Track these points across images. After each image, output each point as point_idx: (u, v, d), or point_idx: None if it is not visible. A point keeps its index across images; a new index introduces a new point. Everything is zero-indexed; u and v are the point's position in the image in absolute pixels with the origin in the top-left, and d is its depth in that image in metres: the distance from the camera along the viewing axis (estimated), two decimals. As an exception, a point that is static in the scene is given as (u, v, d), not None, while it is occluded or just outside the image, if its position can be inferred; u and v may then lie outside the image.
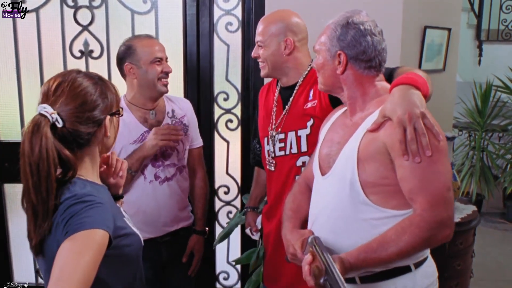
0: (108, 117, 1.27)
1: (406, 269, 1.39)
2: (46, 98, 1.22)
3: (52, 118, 1.17)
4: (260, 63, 1.92)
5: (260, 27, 1.88)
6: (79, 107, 1.21)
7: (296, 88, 1.88)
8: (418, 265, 1.41)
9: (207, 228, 2.31)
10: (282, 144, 1.89)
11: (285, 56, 1.85)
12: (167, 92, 2.08)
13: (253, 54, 1.93)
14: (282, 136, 1.89)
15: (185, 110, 2.20)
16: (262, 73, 1.93)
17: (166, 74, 2.04)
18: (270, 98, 2.01)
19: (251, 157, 2.22)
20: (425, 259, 1.45)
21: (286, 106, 1.91)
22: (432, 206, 1.28)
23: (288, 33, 1.84)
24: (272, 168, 1.93)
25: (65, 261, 1.06)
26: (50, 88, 1.23)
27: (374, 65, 1.42)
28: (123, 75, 2.06)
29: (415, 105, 1.30)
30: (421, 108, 1.30)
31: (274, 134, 1.92)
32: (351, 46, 1.40)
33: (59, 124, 1.19)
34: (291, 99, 1.89)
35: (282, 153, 1.89)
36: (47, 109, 1.18)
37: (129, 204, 2.04)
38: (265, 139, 1.98)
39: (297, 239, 1.46)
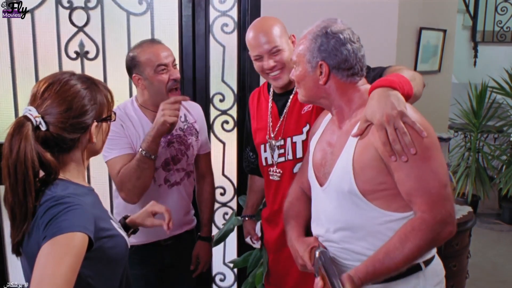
0: (95, 123, 1.26)
1: (416, 268, 1.39)
2: (34, 100, 1.22)
3: (36, 121, 1.17)
4: (275, 73, 1.81)
5: (264, 38, 1.78)
6: (64, 112, 1.20)
7: (293, 93, 1.85)
8: (427, 263, 1.41)
9: (213, 235, 2.30)
10: (282, 151, 1.87)
11: None
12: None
13: (269, 66, 1.79)
14: (281, 142, 1.87)
15: (196, 115, 2.17)
16: (282, 81, 1.82)
17: (174, 81, 1.96)
18: (262, 105, 1.98)
19: (244, 165, 2.18)
20: (433, 257, 1.45)
21: (284, 112, 1.88)
22: (431, 206, 1.27)
23: (287, 32, 1.85)
24: (276, 178, 1.90)
25: (44, 267, 1.05)
26: (39, 90, 1.22)
27: (356, 71, 1.42)
28: (135, 85, 2.01)
29: (392, 106, 1.30)
30: (398, 107, 1.29)
31: (273, 142, 1.89)
32: (332, 56, 1.40)
33: (43, 128, 1.19)
34: (288, 104, 1.87)
35: (282, 159, 1.87)
36: (32, 112, 1.18)
37: (136, 206, 2.03)
38: (262, 146, 1.95)
39: (304, 250, 1.47)
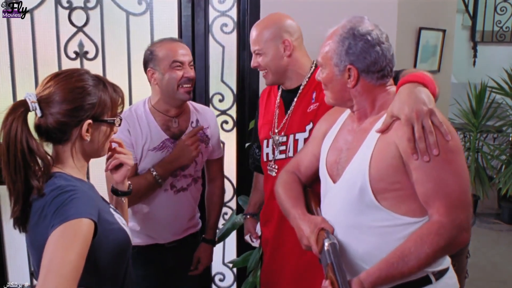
0: (89, 121, 1.26)
1: (426, 281, 1.33)
2: (39, 87, 1.25)
3: (32, 106, 1.21)
4: (262, 72, 1.87)
5: (254, 35, 1.84)
6: (60, 102, 1.22)
7: (300, 91, 1.85)
8: (439, 276, 1.35)
9: (216, 238, 2.30)
10: (284, 147, 1.87)
11: (286, 59, 1.81)
12: (189, 99, 2.02)
13: (252, 64, 1.87)
14: (284, 139, 1.88)
15: (209, 121, 2.15)
16: (267, 81, 1.88)
17: (188, 79, 1.96)
18: (271, 101, 1.99)
19: (250, 161, 2.18)
20: (446, 269, 1.39)
21: (289, 109, 1.88)
22: (450, 210, 1.23)
23: (285, 35, 1.81)
24: (273, 173, 1.90)
25: (53, 254, 1.08)
26: (47, 80, 1.26)
27: (386, 73, 1.38)
28: (149, 80, 2.02)
29: (422, 102, 1.27)
30: (429, 105, 1.27)
31: (277, 137, 1.89)
32: (361, 59, 1.34)
33: (38, 114, 1.22)
34: (294, 102, 1.87)
35: (283, 156, 1.87)
36: (31, 97, 1.22)
37: (141, 211, 2.04)
38: (265, 141, 1.95)
39: (312, 231, 1.40)
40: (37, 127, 1.25)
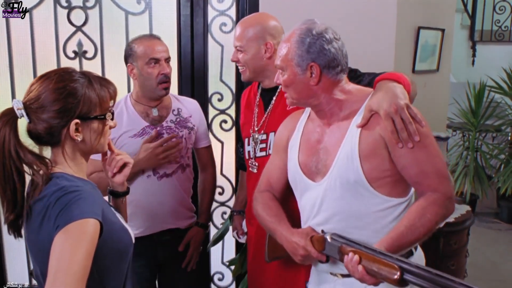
0: (76, 120, 1.24)
1: (409, 254, 1.47)
2: (26, 92, 1.25)
3: (19, 113, 1.21)
4: (240, 67, 1.91)
5: (237, 31, 1.86)
6: (43, 106, 1.21)
7: (279, 89, 1.86)
8: (415, 248, 1.51)
9: (209, 223, 2.29)
10: (264, 145, 1.90)
11: (265, 60, 1.84)
12: (165, 95, 2.07)
13: (232, 58, 1.91)
14: (264, 137, 1.90)
15: (191, 110, 2.19)
16: (243, 77, 1.92)
17: (165, 76, 2.01)
18: (251, 100, 2.01)
19: (235, 161, 2.20)
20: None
21: (269, 107, 1.91)
22: (439, 184, 1.38)
23: (268, 37, 1.83)
24: (255, 170, 1.92)
25: (60, 255, 1.07)
26: (31, 83, 1.25)
27: (343, 68, 1.47)
28: (129, 74, 2.08)
29: (399, 97, 1.38)
30: (404, 99, 1.38)
31: (256, 135, 1.92)
32: (321, 56, 1.42)
33: (26, 120, 1.22)
34: (273, 100, 1.89)
35: (263, 153, 1.90)
36: (17, 104, 1.21)
37: (128, 197, 2.03)
38: (246, 139, 1.98)
39: (305, 240, 1.45)
40: (29, 132, 1.25)
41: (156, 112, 2.08)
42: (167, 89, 2.05)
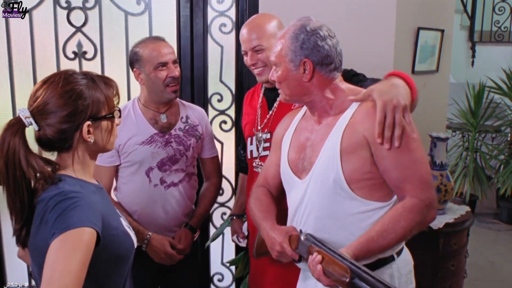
0: (88, 122, 1.24)
1: (390, 259, 1.45)
2: (29, 100, 1.23)
3: (27, 122, 1.19)
4: (257, 69, 1.86)
5: (254, 32, 1.82)
6: (52, 112, 1.20)
7: None
8: (398, 253, 1.48)
9: (198, 232, 2.19)
10: (268, 144, 1.88)
11: None
12: (175, 98, 2.05)
13: (251, 62, 1.83)
14: (268, 136, 1.89)
15: (199, 119, 2.16)
16: (262, 78, 1.87)
17: (173, 79, 1.98)
18: (255, 101, 2.01)
19: (235, 163, 2.18)
20: (403, 248, 1.52)
21: (273, 106, 1.90)
22: (422, 190, 1.35)
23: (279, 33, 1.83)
24: (259, 170, 1.90)
25: (55, 263, 1.06)
26: (34, 89, 1.23)
27: (336, 66, 1.46)
28: (136, 79, 2.05)
29: (401, 96, 1.36)
30: (406, 101, 1.36)
31: (260, 134, 1.92)
32: (315, 52, 1.42)
33: (35, 128, 1.21)
34: (278, 99, 1.87)
35: (267, 152, 1.88)
36: (24, 113, 1.20)
37: (132, 206, 2.03)
38: (249, 139, 1.97)
39: (284, 237, 1.46)
40: (38, 140, 1.23)
41: (165, 118, 2.05)
42: (176, 91, 2.02)
